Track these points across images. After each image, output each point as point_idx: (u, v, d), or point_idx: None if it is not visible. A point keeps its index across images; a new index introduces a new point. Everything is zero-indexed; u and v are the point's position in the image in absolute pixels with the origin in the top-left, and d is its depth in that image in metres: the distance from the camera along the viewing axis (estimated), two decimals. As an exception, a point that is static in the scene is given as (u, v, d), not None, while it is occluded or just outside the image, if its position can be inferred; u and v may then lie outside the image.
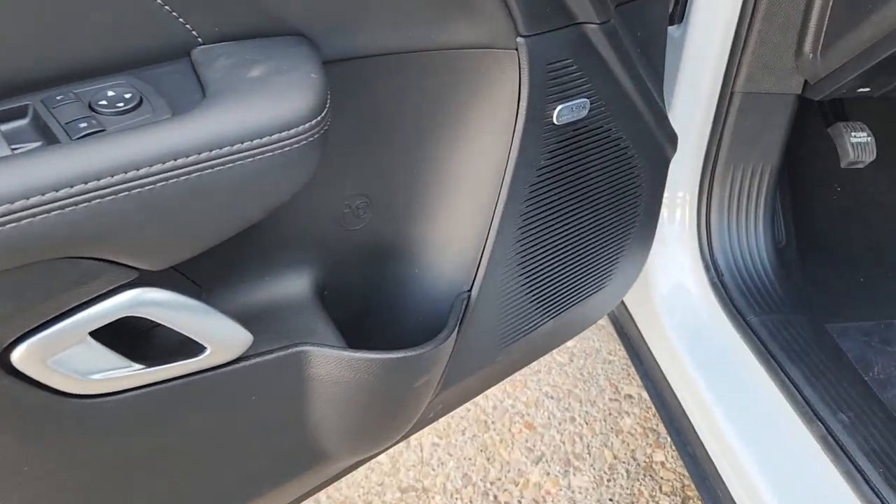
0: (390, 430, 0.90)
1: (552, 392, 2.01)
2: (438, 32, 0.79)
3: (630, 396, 1.99)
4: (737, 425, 1.17)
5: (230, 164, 0.60)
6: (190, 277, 0.77)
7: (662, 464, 1.82)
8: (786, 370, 1.20)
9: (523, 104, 0.85)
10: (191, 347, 0.69)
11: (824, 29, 1.20)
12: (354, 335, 0.91)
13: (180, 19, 0.66)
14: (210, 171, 0.60)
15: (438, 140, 0.88)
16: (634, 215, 1.11)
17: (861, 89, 1.23)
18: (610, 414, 1.95)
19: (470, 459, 1.82)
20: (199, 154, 0.59)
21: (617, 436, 1.89)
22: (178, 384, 0.68)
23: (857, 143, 1.33)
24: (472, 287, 0.94)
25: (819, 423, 1.10)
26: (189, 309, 0.66)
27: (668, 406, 1.37)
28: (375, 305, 0.94)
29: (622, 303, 1.56)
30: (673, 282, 1.40)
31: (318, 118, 0.66)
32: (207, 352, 0.68)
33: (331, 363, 0.78)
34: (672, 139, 1.10)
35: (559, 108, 0.88)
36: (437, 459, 1.82)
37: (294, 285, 0.85)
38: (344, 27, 0.74)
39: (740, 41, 1.24)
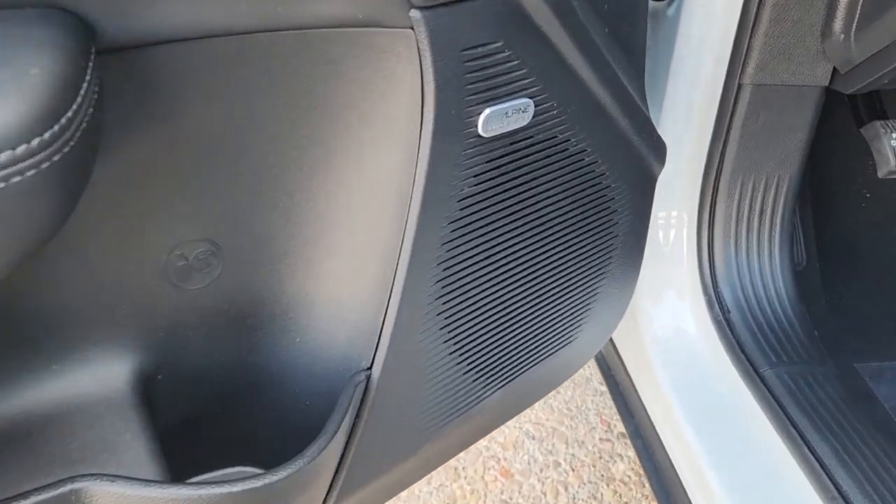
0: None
1: (534, 431, 1.74)
2: (292, 3, 0.52)
3: (624, 436, 1.72)
4: (747, 520, 0.90)
5: None
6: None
7: (660, 520, 1.55)
8: (810, 443, 0.93)
9: (429, 109, 0.58)
10: None
11: (860, 2, 0.92)
12: (202, 440, 0.65)
13: None
14: None
15: (310, 161, 0.61)
16: (610, 249, 0.84)
17: (907, 79, 0.95)
18: (600, 457, 1.68)
19: (435, 516, 1.56)
20: None
21: (608, 485, 1.62)
22: None
23: (899, 147, 1.05)
24: (372, 362, 0.67)
25: (856, 524, 0.83)
26: None
27: (663, 477, 1.10)
28: (235, 393, 0.68)
29: (610, 340, 1.29)
30: (668, 321, 1.12)
31: (38, 140, 0.39)
32: None
33: (126, 505, 0.52)
34: (659, 150, 0.83)
35: (487, 112, 0.61)
36: (396, 516, 1.56)
37: (97, 376, 0.59)
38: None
39: (749, 19, 0.96)
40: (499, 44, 0.60)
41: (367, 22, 0.55)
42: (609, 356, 1.30)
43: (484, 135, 0.62)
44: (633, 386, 1.19)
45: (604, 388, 1.85)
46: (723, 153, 1.05)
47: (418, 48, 0.56)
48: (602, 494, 1.60)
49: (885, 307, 1.38)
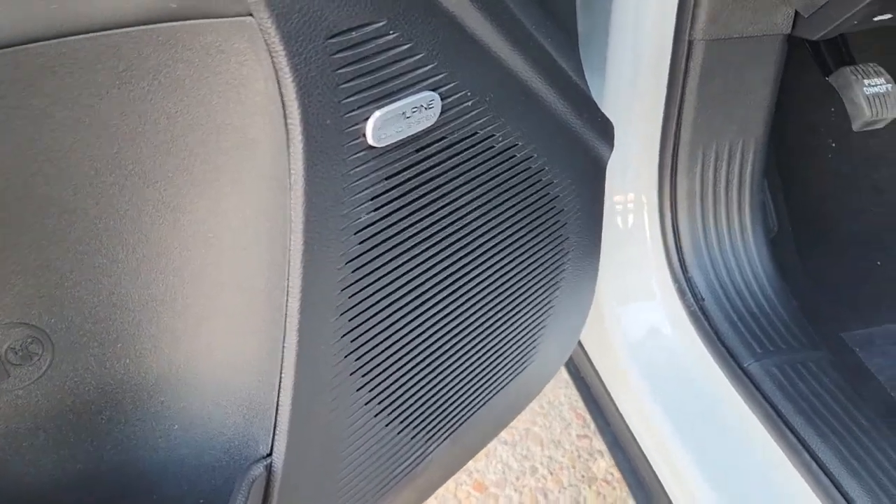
0: None
1: (506, 435, 1.61)
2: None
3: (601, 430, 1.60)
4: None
5: None
6: None
7: (649, 519, 1.44)
8: (809, 445, 0.81)
9: (294, 121, 0.43)
10: None
11: (819, -69, 0.79)
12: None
13: None
14: None
15: (149, 205, 0.46)
16: (561, 254, 0.71)
17: (880, 16, 0.83)
18: (579, 456, 1.56)
19: (407, 544, 1.43)
20: None
21: (590, 485, 1.50)
22: None
23: (875, 95, 0.93)
24: (272, 448, 0.53)
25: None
26: None
27: (650, 493, 0.97)
28: (98, 507, 0.53)
29: (578, 343, 1.16)
30: (637, 318, 1.00)
31: None
32: None
33: None
34: (605, 131, 0.69)
35: (376, 116, 0.47)
36: (365, 550, 1.42)
37: None
38: None
39: (695, -36, 0.83)
40: (380, 24, 0.45)
41: (186, 13, 0.39)
42: (578, 360, 1.17)
43: (376, 144, 0.47)
44: (607, 391, 1.07)
45: (576, 379, 1.73)
46: (678, 123, 0.92)
47: (265, 42, 0.41)
48: (585, 498, 1.48)
49: (862, 267, 1.27)
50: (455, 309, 0.59)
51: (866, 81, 0.93)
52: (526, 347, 0.71)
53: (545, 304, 0.71)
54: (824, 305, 1.18)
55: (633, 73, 0.88)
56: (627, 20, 0.88)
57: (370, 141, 0.47)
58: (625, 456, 1.03)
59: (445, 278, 0.57)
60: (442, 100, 0.51)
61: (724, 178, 0.99)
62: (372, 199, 0.49)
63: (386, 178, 0.49)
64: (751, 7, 0.85)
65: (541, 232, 0.66)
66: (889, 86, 0.94)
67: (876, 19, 0.83)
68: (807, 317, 1.02)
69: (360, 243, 0.49)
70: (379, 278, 0.51)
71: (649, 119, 0.92)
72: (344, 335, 0.51)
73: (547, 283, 0.70)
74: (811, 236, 1.27)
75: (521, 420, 1.64)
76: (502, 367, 0.69)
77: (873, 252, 1.30)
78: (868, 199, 1.36)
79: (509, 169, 0.59)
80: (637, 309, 0.99)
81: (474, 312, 0.61)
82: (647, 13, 0.86)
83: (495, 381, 0.69)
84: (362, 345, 0.53)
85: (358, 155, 0.47)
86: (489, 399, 0.71)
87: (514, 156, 0.59)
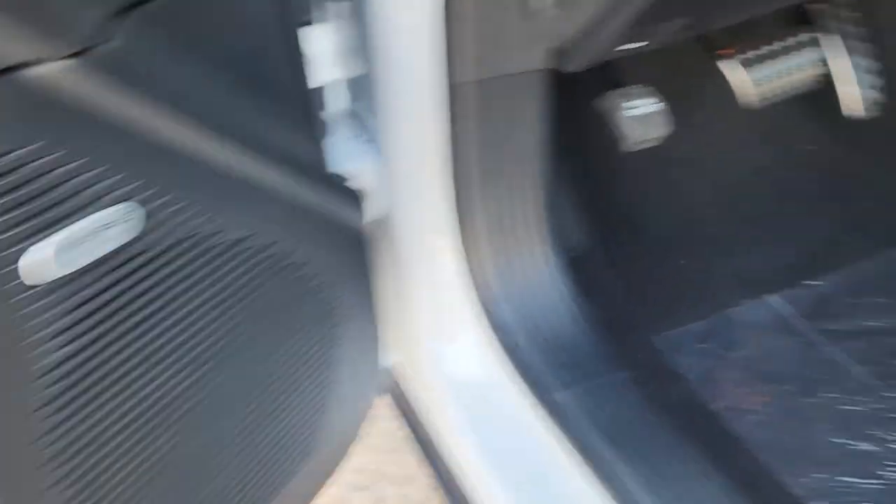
0: None
1: (358, 480, 1.57)
2: None
3: (454, 456, 1.59)
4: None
5: None
6: None
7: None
8: (615, 474, 0.82)
9: None
10: None
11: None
12: None
13: None
14: None
15: None
16: (330, 333, 0.67)
17: (631, 44, 0.85)
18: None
19: None
20: None
21: (447, 517, 1.49)
22: None
23: (638, 116, 0.96)
24: None
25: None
26: None
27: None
28: None
29: (398, 385, 1.14)
30: (454, 358, 0.98)
31: None
32: None
33: None
34: (352, 198, 0.66)
35: (51, 243, 0.41)
36: None
37: None
38: None
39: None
40: (34, 146, 0.40)
41: None
42: (401, 402, 1.14)
43: (56, 275, 0.42)
44: (430, 434, 1.05)
45: (424, 408, 1.72)
46: (464, 165, 0.91)
47: None
48: (442, 531, 1.46)
49: (667, 268, 1.33)
50: (196, 426, 0.54)
51: (630, 104, 0.96)
52: (306, 432, 0.67)
53: (320, 385, 0.67)
54: (636, 313, 1.22)
55: (412, 120, 0.86)
56: (397, 70, 0.86)
57: (43, 275, 0.41)
58: (450, 494, 1.02)
59: (176, 398, 0.52)
60: (144, 207, 0.46)
61: (519, 211, 0.99)
62: (57, 337, 0.43)
63: (75, 308, 0.44)
64: (509, 47, 0.85)
65: (300, 318, 0.62)
66: (655, 107, 0.98)
67: (627, 46, 0.85)
68: (615, 331, 1.05)
69: (49, 387, 0.44)
70: (83, 419, 0.46)
71: (436, 163, 0.90)
72: (49, 488, 0.45)
73: (319, 362, 0.66)
74: (618, 247, 1.31)
75: (371, 461, 1.60)
76: (280, 462, 0.65)
77: (675, 252, 1.35)
78: (667, 201, 1.41)
79: (243, 263, 0.55)
80: (453, 350, 0.98)
81: (224, 422, 0.57)
82: (414, 61, 0.85)
83: (274, 477, 0.65)
84: (79, 492, 0.47)
85: (26, 294, 0.41)
86: (274, 494, 0.66)
87: (248, 248, 0.55)
